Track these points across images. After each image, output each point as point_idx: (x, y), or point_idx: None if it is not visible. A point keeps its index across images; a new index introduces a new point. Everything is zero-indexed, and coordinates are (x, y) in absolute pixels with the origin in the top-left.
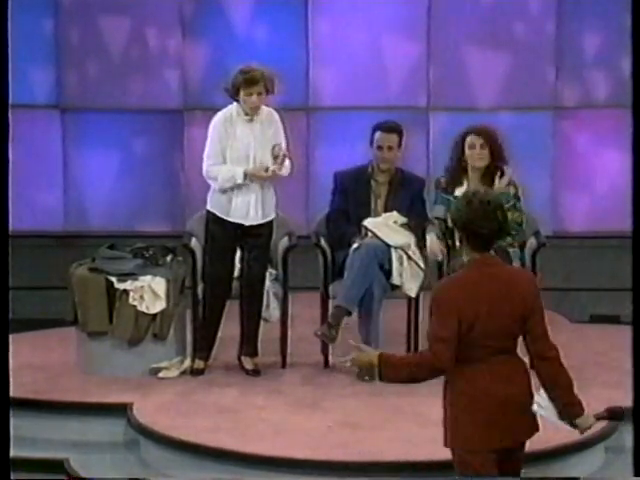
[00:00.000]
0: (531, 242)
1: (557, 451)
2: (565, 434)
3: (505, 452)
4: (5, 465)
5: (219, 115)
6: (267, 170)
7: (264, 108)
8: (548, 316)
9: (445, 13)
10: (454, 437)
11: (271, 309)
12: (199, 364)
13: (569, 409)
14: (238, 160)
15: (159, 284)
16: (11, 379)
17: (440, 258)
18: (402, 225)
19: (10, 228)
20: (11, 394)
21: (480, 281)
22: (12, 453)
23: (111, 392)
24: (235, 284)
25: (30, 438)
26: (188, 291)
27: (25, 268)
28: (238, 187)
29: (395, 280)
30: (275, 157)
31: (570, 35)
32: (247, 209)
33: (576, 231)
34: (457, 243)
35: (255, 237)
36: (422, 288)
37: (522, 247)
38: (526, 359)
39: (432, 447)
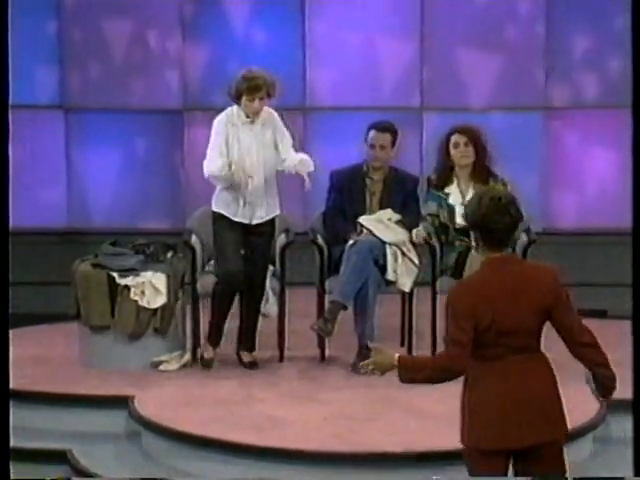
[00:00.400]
0: (522, 239)
1: None
2: None
3: (523, 453)
4: (5, 458)
5: (221, 116)
6: (247, 183)
7: (263, 109)
8: None
9: (438, 15)
10: (465, 435)
11: (269, 304)
12: (209, 353)
13: (610, 384)
14: (238, 160)
15: (160, 280)
16: (15, 372)
17: (423, 243)
18: (396, 222)
19: (15, 225)
20: (16, 386)
21: (495, 280)
22: (17, 444)
23: (113, 385)
24: None
25: (34, 429)
26: (188, 287)
27: (29, 264)
28: (244, 187)
29: (390, 276)
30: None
31: (560, 37)
32: (253, 209)
33: (565, 228)
34: (473, 244)
35: (258, 235)
36: (416, 283)
37: (513, 244)
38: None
39: (426, 438)
